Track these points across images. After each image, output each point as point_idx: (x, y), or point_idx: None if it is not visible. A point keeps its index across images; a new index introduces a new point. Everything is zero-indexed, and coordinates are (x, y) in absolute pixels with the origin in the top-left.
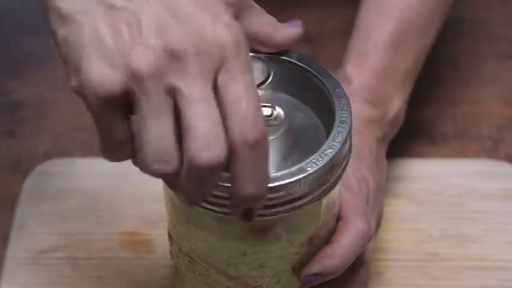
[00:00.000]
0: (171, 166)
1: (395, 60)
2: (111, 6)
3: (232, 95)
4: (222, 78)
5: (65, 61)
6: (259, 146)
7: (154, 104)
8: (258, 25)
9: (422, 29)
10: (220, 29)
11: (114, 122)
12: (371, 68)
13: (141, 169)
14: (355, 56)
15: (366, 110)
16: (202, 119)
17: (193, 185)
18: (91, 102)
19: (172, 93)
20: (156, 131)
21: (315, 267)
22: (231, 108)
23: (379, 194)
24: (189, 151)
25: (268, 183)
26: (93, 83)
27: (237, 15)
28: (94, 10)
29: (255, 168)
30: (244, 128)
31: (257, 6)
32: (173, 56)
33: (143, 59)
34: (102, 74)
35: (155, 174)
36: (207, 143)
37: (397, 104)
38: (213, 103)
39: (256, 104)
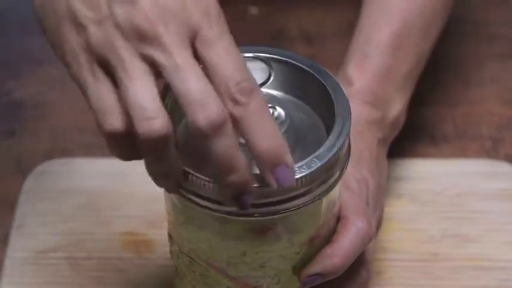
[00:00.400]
0: (158, 123)
1: (397, 62)
2: None
3: (212, 61)
4: (199, 48)
5: (42, 25)
6: (251, 101)
7: (129, 68)
8: None
9: (423, 31)
10: (188, 2)
11: (98, 87)
12: (372, 70)
13: (137, 135)
14: (357, 58)
15: (367, 112)
16: (189, 81)
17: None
18: (73, 71)
19: (153, 65)
20: (133, 91)
21: (316, 267)
22: (214, 73)
23: (380, 194)
24: (188, 117)
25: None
26: (71, 54)
27: None
28: None
29: (257, 121)
30: (230, 88)
31: None
32: (142, 31)
33: (114, 32)
34: (78, 44)
35: (144, 133)
36: (201, 104)
37: (398, 106)
38: (196, 66)
39: (237, 62)
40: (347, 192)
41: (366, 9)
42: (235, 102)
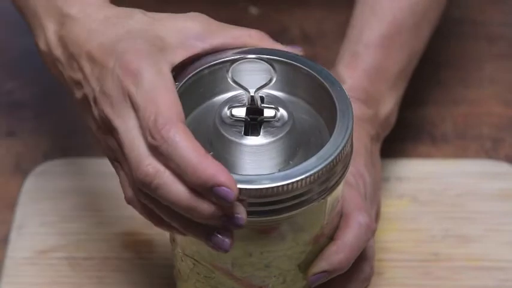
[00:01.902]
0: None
1: (387, 61)
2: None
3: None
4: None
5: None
6: (162, 142)
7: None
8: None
9: (414, 30)
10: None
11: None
12: (363, 69)
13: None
14: (348, 56)
15: (359, 109)
16: (129, 153)
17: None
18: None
19: None
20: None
21: (322, 265)
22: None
23: (376, 189)
24: None
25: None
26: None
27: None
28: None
29: (177, 154)
30: (147, 133)
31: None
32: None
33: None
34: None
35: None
36: (135, 168)
37: (389, 105)
38: (132, 135)
39: (151, 103)
40: (346, 187)
41: (358, 7)
42: (154, 147)
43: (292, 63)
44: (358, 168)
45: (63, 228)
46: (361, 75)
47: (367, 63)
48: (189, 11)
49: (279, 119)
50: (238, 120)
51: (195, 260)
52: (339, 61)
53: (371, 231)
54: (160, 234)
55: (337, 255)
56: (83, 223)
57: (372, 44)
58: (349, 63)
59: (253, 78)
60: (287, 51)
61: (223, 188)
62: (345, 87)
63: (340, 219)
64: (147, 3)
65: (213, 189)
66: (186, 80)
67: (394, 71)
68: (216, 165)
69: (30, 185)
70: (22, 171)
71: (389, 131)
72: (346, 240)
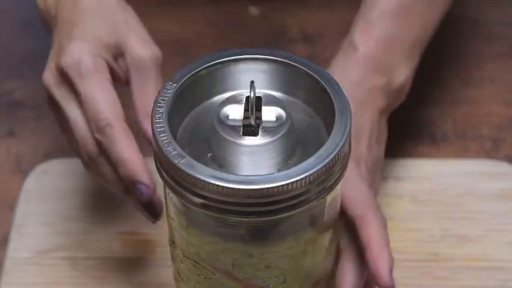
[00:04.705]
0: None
1: (402, 30)
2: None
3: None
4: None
5: None
6: (103, 138)
7: None
8: None
9: (428, 1)
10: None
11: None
12: (377, 36)
13: None
14: (362, 24)
15: (372, 78)
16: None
17: None
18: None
19: None
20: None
21: (384, 270)
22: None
23: (376, 169)
24: None
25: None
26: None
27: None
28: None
29: (113, 151)
30: (92, 130)
31: None
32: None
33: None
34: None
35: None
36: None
37: (403, 73)
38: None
39: (94, 105)
40: (350, 186)
41: None
42: (97, 140)
43: (290, 63)
44: (358, 150)
45: (63, 228)
46: (375, 42)
47: (381, 30)
48: (190, 11)
49: (277, 119)
50: (236, 120)
51: (195, 261)
52: (354, 28)
53: (385, 220)
54: (160, 235)
55: (381, 256)
56: (83, 223)
57: (387, 11)
58: (363, 30)
59: (252, 78)
60: (285, 51)
61: (143, 186)
62: (358, 54)
63: (339, 217)
64: (150, 3)
65: (136, 185)
66: (184, 81)
67: (410, 39)
68: (142, 165)
69: (30, 185)
70: (22, 171)
71: (402, 100)
72: (380, 242)
